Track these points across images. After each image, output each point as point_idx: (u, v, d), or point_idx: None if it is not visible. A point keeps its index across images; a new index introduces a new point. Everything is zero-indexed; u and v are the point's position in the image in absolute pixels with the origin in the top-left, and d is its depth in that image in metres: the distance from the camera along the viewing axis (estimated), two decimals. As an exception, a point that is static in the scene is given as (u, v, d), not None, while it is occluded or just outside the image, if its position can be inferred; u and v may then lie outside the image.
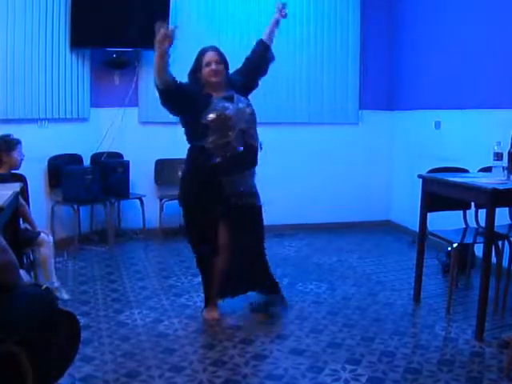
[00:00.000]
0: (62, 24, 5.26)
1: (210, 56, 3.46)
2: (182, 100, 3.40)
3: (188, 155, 3.54)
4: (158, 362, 3.00)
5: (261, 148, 3.59)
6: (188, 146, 3.55)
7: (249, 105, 3.57)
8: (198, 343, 3.26)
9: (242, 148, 3.44)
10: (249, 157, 3.52)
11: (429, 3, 5.65)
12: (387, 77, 6.39)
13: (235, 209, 3.52)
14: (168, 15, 5.55)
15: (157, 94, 3.39)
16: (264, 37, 3.78)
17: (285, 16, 3.79)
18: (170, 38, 3.16)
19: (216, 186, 3.44)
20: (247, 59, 3.75)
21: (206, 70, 3.44)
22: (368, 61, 6.39)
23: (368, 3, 6.33)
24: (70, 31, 5.29)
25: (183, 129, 3.53)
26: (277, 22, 3.80)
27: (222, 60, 3.49)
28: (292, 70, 6.13)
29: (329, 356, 3.08)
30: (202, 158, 3.42)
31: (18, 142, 4.06)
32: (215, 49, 3.52)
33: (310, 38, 6.18)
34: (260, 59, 3.74)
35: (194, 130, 3.44)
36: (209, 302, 3.69)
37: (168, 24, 3.13)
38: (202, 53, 3.50)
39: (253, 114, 3.56)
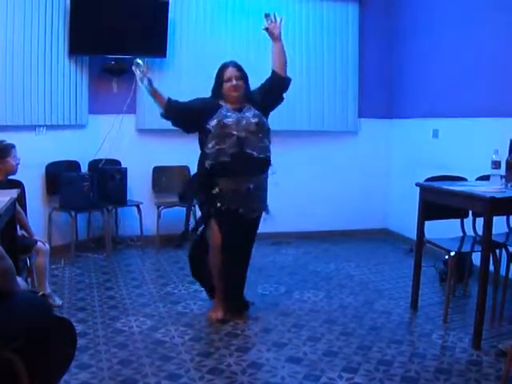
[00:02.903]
0: (60, 31, 5.27)
1: (230, 72, 3.61)
2: (184, 115, 3.64)
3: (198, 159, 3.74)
4: (154, 369, 2.99)
5: (270, 163, 3.70)
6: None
7: (256, 116, 3.61)
8: (195, 351, 3.25)
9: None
10: (244, 165, 3.56)
11: (427, 13, 5.67)
12: (386, 85, 6.41)
13: (227, 213, 3.59)
14: (167, 22, 5.58)
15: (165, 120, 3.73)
16: (274, 67, 3.76)
17: (275, 26, 3.66)
18: (146, 74, 3.51)
19: (209, 187, 3.60)
20: (263, 86, 3.77)
21: (227, 85, 3.60)
22: (367, 70, 6.41)
23: (367, 13, 6.36)
24: (69, 38, 5.30)
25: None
26: (275, 40, 3.70)
27: (242, 75, 3.63)
28: (291, 77, 6.12)
29: (326, 364, 3.08)
30: (201, 162, 3.63)
31: (12, 146, 3.98)
32: (235, 65, 3.65)
33: (309, 47, 6.20)
34: (275, 88, 3.77)
35: (201, 136, 3.63)
36: (214, 299, 3.84)
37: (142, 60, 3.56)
38: (222, 68, 3.65)
39: (259, 124, 3.60)
